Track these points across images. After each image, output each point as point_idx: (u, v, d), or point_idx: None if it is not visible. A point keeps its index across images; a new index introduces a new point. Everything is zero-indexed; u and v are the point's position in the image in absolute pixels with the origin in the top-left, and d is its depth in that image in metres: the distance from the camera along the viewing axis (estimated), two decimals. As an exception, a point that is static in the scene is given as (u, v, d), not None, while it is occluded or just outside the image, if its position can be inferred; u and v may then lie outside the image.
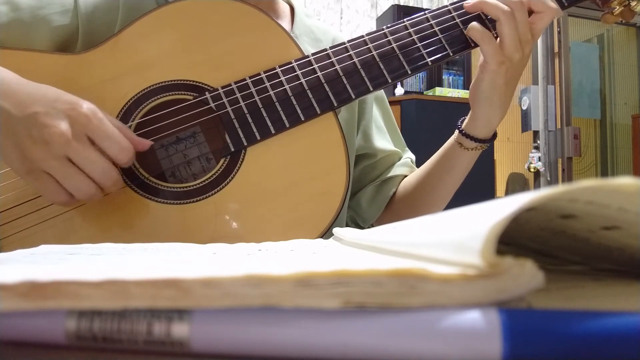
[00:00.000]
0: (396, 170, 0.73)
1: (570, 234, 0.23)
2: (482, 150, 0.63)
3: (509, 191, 3.36)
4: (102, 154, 0.47)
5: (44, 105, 0.45)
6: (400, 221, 0.29)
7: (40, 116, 0.45)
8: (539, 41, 3.20)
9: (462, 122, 0.63)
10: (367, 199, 0.73)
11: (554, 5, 0.57)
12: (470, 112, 0.62)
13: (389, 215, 0.73)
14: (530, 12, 0.57)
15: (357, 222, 0.75)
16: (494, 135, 0.62)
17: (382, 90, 0.68)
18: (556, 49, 3.23)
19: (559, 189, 0.15)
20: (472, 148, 0.62)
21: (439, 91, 2.76)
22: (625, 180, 0.15)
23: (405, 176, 0.74)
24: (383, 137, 0.76)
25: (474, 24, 0.56)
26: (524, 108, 3.22)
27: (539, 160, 3.14)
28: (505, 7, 0.55)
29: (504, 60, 0.55)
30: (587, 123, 3.68)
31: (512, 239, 0.25)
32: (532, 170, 3.17)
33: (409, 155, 0.77)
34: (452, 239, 0.18)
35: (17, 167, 0.46)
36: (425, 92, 2.83)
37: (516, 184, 3.36)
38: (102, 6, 0.61)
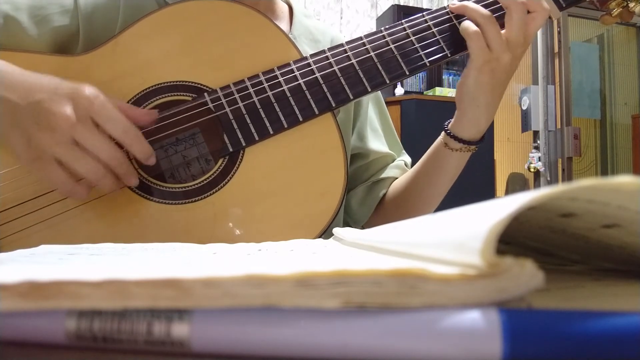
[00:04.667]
0: (388, 172, 0.73)
1: (570, 233, 0.23)
2: (470, 152, 0.62)
3: (509, 191, 3.36)
4: (107, 136, 0.47)
5: (48, 92, 0.46)
6: (397, 222, 0.29)
7: (44, 103, 0.45)
8: (539, 41, 3.20)
9: (448, 123, 0.62)
10: (358, 200, 0.73)
11: (547, 6, 0.57)
12: (456, 111, 0.61)
13: (379, 218, 0.72)
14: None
15: (349, 223, 0.74)
16: (482, 138, 0.61)
17: (380, 91, 0.68)
18: (556, 49, 3.23)
19: (559, 188, 0.15)
20: (458, 149, 0.61)
21: (439, 91, 2.76)
22: (625, 179, 0.15)
23: (396, 178, 0.73)
24: (377, 139, 0.75)
25: (467, 21, 0.56)
26: (524, 108, 3.22)
27: (539, 160, 3.14)
28: (485, 12, 0.56)
29: (490, 59, 0.55)
30: (587, 123, 3.68)
31: (512, 238, 0.25)
32: (532, 170, 3.17)
33: (403, 158, 0.76)
34: (452, 239, 0.18)
35: (24, 155, 0.46)
36: (425, 92, 2.83)
37: (516, 184, 3.36)
38: (102, 7, 0.61)
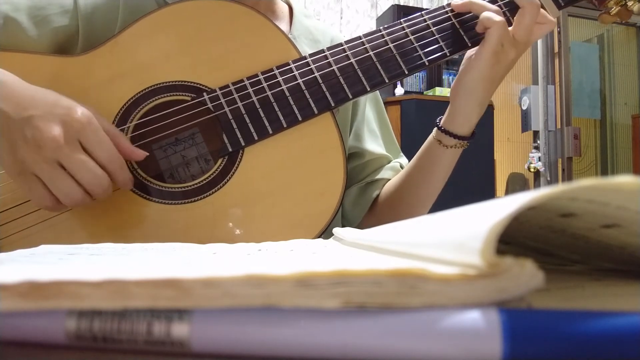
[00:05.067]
0: (383, 174, 0.73)
1: (570, 233, 0.23)
2: (462, 149, 0.62)
3: (509, 191, 3.36)
4: (94, 160, 0.47)
5: (42, 109, 0.46)
6: (397, 222, 0.29)
7: (35, 119, 0.45)
8: (539, 41, 3.20)
9: (440, 120, 0.63)
10: (351, 200, 0.73)
11: (554, 20, 0.58)
12: (449, 107, 0.62)
13: (372, 218, 0.72)
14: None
15: (342, 223, 0.74)
16: (473, 134, 0.62)
17: (378, 91, 0.68)
18: (556, 49, 3.23)
19: (559, 188, 0.15)
20: (452, 146, 0.62)
21: (439, 91, 2.76)
22: (625, 179, 0.15)
23: (389, 179, 0.73)
24: (374, 140, 0.75)
25: (489, 12, 0.56)
26: (524, 108, 3.22)
27: (539, 160, 3.14)
28: (495, 7, 0.56)
29: (499, 51, 0.56)
30: (587, 123, 3.68)
31: (512, 238, 0.25)
32: (532, 170, 3.17)
33: (400, 160, 0.76)
34: (452, 239, 0.18)
35: (9, 168, 0.47)
36: (425, 92, 2.83)
37: (516, 184, 3.36)
38: (102, 7, 0.61)
